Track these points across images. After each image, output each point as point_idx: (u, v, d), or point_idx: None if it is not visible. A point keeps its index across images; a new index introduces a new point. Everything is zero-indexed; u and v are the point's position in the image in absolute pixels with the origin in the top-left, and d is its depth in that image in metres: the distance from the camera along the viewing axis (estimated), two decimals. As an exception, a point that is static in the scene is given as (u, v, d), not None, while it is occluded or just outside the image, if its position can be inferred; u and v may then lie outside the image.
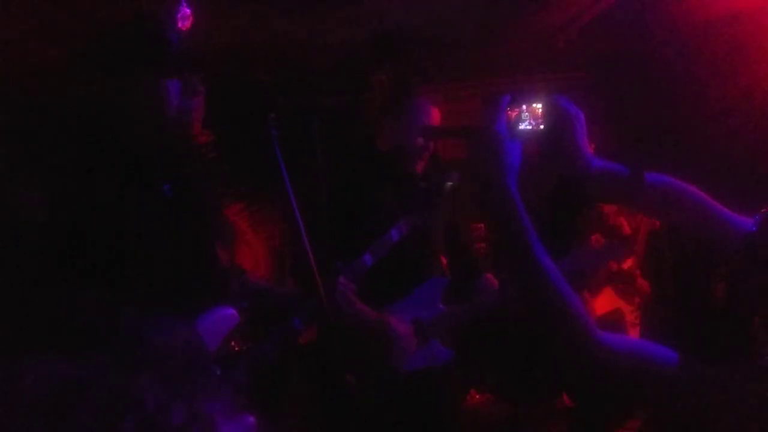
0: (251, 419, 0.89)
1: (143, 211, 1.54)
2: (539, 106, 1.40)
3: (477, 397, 4.32)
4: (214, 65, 4.72)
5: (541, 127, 1.39)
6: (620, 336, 1.47)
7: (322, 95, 4.90)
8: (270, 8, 3.74)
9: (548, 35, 4.70)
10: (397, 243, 2.13)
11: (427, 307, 2.40)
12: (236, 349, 3.79)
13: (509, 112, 1.38)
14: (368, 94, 5.53)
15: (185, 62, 1.64)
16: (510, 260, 1.35)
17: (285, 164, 1.98)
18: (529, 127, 1.39)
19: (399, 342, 2.24)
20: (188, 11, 1.60)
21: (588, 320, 1.38)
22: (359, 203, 2.15)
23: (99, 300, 1.42)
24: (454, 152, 5.57)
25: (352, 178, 2.25)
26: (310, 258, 1.77)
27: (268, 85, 4.58)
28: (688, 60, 4.65)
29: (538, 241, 1.31)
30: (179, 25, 1.61)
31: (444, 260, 2.57)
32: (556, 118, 1.39)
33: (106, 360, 1.16)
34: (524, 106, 1.39)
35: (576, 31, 4.63)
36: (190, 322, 1.52)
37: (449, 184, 2.64)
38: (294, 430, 3.34)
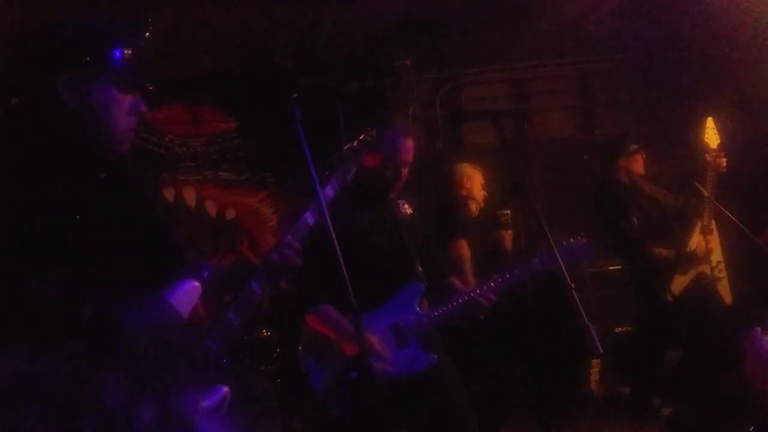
0: (231, 417, 0.85)
1: (80, 195, 1.59)
2: None
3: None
4: (238, 51, 4.71)
5: None
6: None
7: (345, 79, 4.87)
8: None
9: (577, 17, 4.61)
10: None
11: (405, 312, 2.55)
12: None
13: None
14: (391, 78, 5.50)
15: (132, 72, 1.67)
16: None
17: (309, 148, 1.95)
18: None
19: (374, 356, 2.35)
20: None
21: None
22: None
23: (62, 285, 1.41)
24: (480, 137, 5.51)
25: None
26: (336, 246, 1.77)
27: (291, 70, 4.56)
28: (723, 42, 4.53)
29: None
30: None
31: (420, 268, 2.68)
32: None
33: (67, 353, 1.10)
34: None
35: (605, 13, 4.53)
36: (162, 300, 1.55)
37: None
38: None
